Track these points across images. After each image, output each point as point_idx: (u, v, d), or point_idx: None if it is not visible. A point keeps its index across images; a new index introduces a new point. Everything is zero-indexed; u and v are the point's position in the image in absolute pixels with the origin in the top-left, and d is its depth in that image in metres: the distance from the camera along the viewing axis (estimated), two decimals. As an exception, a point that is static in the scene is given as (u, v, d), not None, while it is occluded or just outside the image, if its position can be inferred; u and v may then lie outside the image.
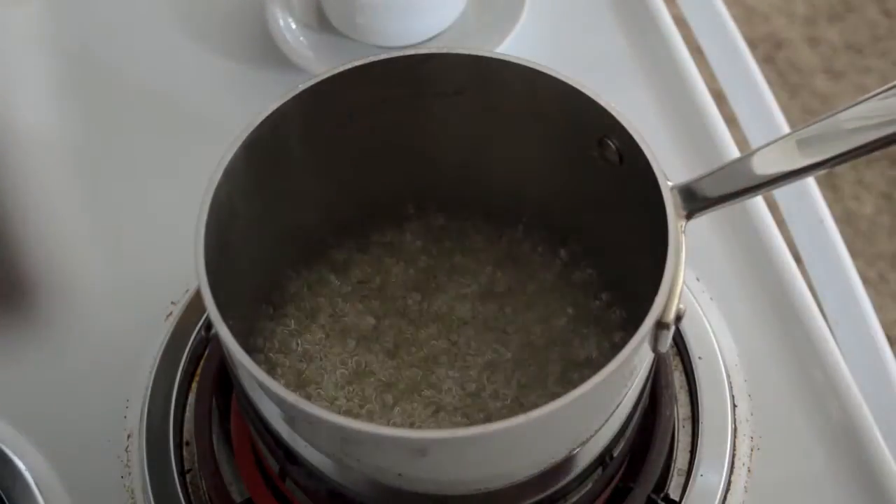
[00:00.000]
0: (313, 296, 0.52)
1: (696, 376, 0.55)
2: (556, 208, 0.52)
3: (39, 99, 0.70)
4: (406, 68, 0.46)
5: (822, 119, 0.42)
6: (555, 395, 0.38)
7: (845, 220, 1.42)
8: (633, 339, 0.38)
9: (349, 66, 0.46)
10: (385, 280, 0.53)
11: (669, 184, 0.42)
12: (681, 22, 0.72)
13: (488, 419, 0.48)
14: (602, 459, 0.45)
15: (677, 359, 0.56)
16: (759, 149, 0.43)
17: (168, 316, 0.57)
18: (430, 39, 0.68)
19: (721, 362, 0.55)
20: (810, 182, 0.67)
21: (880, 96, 0.42)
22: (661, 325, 0.39)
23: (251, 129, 0.44)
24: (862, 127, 0.41)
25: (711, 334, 0.56)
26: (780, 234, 0.60)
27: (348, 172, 0.51)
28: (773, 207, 0.62)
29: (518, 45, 0.67)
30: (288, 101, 0.45)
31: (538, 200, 0.52)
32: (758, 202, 0.61)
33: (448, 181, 0.53)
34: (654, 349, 0.41)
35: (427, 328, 0.51)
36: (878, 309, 0.63)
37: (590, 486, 0.46)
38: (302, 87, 0.45)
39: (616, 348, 0.39)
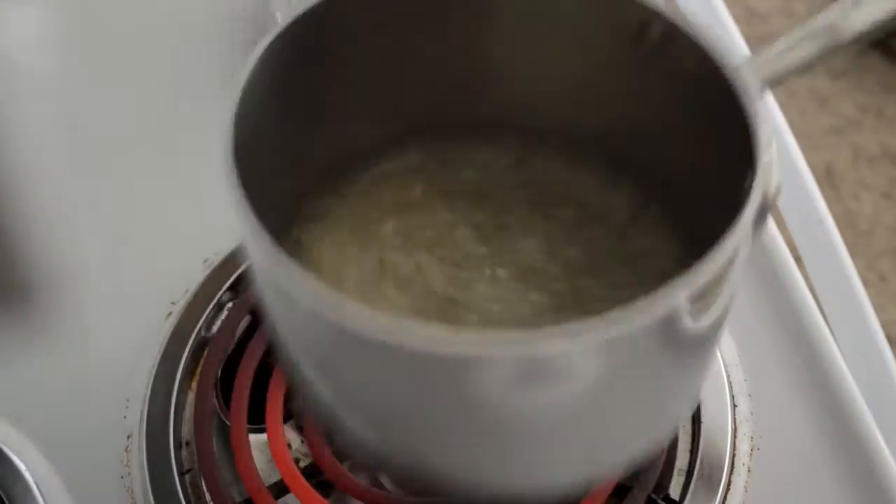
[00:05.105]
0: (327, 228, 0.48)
1: (696, 376, 0.55)
2: (590, 121, 0.48)
3: (39, 99, 0.70)
4: None
5: None
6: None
7: (845, 220, 1.42)
8: (742, 212, 0.34)
9: None
10: (404, 214, 0.48)
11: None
12: (681, 22, 0.72)
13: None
14: None
15: (677, 359, 0.56)
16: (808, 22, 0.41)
17: (168, 316, 0.57)
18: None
19: (721, 362, 0.55)
20: (810, 182, 0.67)
21: None
22: (765, 203, 0.36)
23: (258, 55, 0.39)
24: None
25: (711, 334, 0.56)
26: (781, 235, 0.60)
27: (361, 95, 0.47)
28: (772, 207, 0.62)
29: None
30: (290, 24, 0.41)
31: (575, 114, 0.48)
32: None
33: (467, 99, 0.49)
34: (755, 234, 0.37)
35: (455, 265, 0.47)
36: (878, 309, 0.64)
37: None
38: (301, 10, 0.41)
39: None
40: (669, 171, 0.46)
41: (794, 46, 0.41)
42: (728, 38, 0.74)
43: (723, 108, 0.39)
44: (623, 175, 0.49)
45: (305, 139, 0.46)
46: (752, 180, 0.35)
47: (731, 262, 0.35)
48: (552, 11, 0.44)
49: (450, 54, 0.47)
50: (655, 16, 0.41)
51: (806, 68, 0.41)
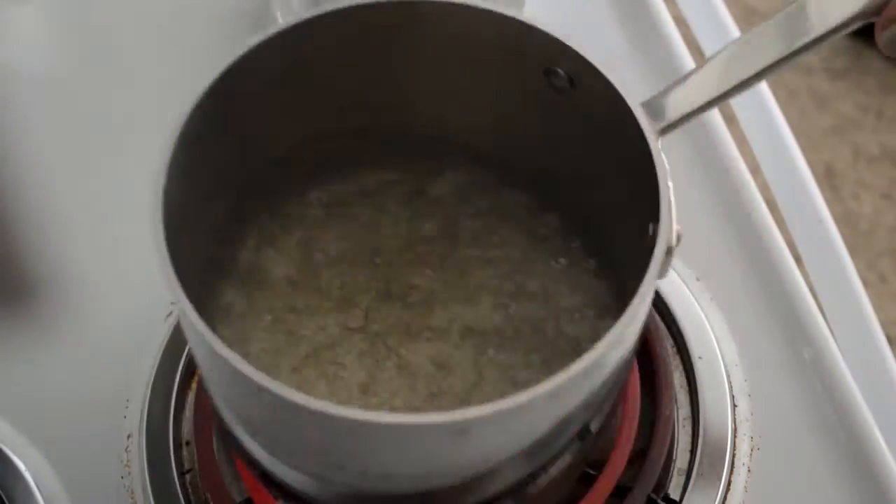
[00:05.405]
0: (269, 256, 0.50)
1: (696, 376, 0.55)
2: (516, 155, 0.50)
3: (39, 99, 0.70)
4: (347, 19, 0.45)
5: (785, 9, 0.42)
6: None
7: (845, 220, 1.42)
8: (650, 268, 0.37)
9: (307, 17, 0.44)
10: (343, 245, 0.51)
11: (637, 101, 0.41)
12: (681, 22, 0.72)
13: (471, 394, 0.46)
14: (581, 434, 0.44)
15: (677, 359, 0.56)
16: (715, 54, 0.42)
17: (168, 316, 0.57)
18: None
19: (721, 362, 0.55)
20: (810, 182, 0.67)
21: None
22: (668, 251, 0.38)
23: (207, 85, 0.43)
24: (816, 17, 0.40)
25: (711, 334, 0.56)
26: (780, 234, 0.60)
27: (301, 126, 0.49)
28: (773, 207, 0.62)
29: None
30: (247, 52, 0.44)
31: (497, 147, 0.50)
32: (758, 202, 0.61)
33: (416, 129, 0.51)
34: (659, 277, 0.39)
35: (388, 300, 0.49)
36: (878, 309, 0.64)
37: (567, 459, 0.45)
38: (257, 39, 0.43)
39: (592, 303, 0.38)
40: (585, 202, 0.48)
41: (702, 82, 0.42)
42: (727, 38, 0.74)
43: (628, 146, 0.40)
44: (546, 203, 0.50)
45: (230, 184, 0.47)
46: (654, 231, 0.38)
47: (636, 317, 0.38)
48: (465, 44, 0.45)
49: (368, 91, 0.48)
50: (564, 50, 0.42)
51: (704, 109, 0.42)
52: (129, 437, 0.54)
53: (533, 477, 0.44)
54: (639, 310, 0.37)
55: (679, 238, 0.39)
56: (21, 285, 0.61)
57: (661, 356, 0.53)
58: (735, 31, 0.74)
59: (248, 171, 0.48)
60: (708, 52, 0.75)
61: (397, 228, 0.51)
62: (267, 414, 0.39)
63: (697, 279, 0.58)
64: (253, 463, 0.43)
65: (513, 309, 0.49)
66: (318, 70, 0.46)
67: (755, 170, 0.65)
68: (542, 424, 0.39)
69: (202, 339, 0.37)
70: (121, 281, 0.60)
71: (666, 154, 0.43)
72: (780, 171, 0.69)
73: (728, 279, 0.59)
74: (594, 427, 0.44)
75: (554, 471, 0.44)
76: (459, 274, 0.50)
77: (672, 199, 0.38)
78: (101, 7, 0.73)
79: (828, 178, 1.47)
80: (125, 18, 0.73)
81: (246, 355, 0.47)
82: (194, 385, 0.55)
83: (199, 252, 0.46)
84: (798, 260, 0.61)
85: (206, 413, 0.53)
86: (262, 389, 0.36)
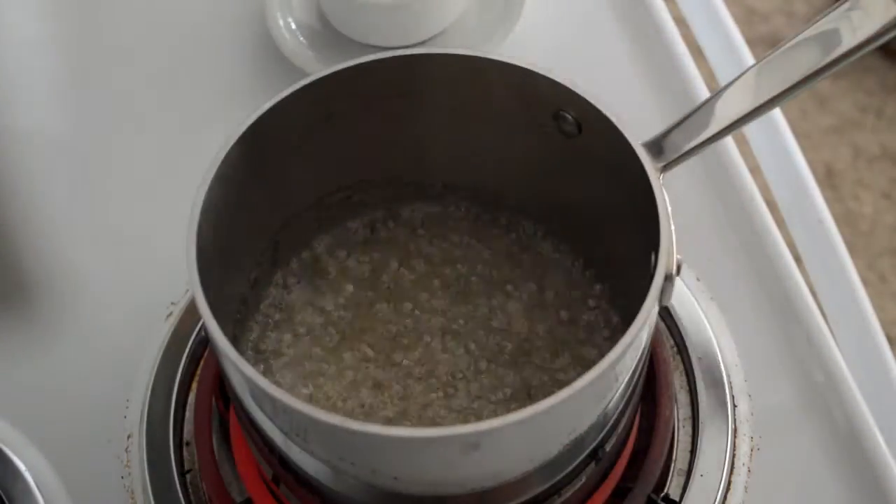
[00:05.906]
0: (298, 295, 0.52)
1: (696, 376, 0.55)
2: (530, 193, 0.52)
3: (39, 99, 0.70)
4: (346, 80, 0.47)
5: (776, 51, 0.43)
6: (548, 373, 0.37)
7: (845, 220, 1.42)
8: (649, 294, 0.39)
9: (329, 70, 0.46)
10: (367, 273, 0.53)
11: (639, 141, 0.43)
12: (681, 22, 0.72)
13: (485, 409, 0.48)
14: (595, 453, 0.45)
15: (677, 359, 0.56)
16: (721, 90, 0.44)
17: (168, 316, 0.57)
18: (430, 39, 0.68)
19: (721, 362, 0.55)
20: (810, 182, 0.67)
21: (824, 20, 0.42)
22: (668, 278, 0.40)
23: (241, 130, 0.44)
24: (814, 50, 0.42)
25: (711, 334, 0.56)
26: (780, 234, 0.60)
27: (333, 169, 0.51)
28: (773, 207, 0.62)
29: (517, 45, 0.67)
30: (275, 104, 0.45)
31: (515, 188, 0.53)
32: (758, 202, 0.61)
33: (432, 174, 0.53)
34: (662, 303, 0.41)
35: (410, 321, 0.51)
36: (878, 309, 0.64)
37: (583, 480, 0.46)
38: (288, 90, 0.45)
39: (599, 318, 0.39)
40: (597, 232, 0.51)
41: (699, 122, 0.44)
42: (727, 39, 0.74)
43: (632, 181, 0.43)
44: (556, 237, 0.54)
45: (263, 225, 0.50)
46: (655, 260, 0.40)
47: (636, 339, 0.39)
48: (477, 94, 0.48)
49: (387, 140, 0.51)
50: (571, 96, 0.45)
51: (703, 147, 0.44)
52: (129, 437, 0.54)
53: (548, 495, 0.45)
54: (640, 333, 0.39)
55: (679, 267, 0.41)
56: (21, 285, 0.61)
57: (661, 356, 0.53)
58: (735, 32, 0.74)
59: (280, 215, 0.51)
60: (707, 51, 0.75)
61: (418, 266, 0.53)
62: (285, 419, 0.40)
63: (697, 279, 0.58)
64: (269, 445, 0.43)
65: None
66: (340, 121, 0.48)
67: (755, 170, 0.65)
68: (549, 440, 0.40)
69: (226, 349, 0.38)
70: (121, 281, 0.60)
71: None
72: (780, 171, 0.69)
73: (728, 279, 0.59)
74: (608, 448, 0.45)
75: (569, 491, 0.45)
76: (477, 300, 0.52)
77: (672, 230, 0.40)
78: (101, 7, 0.73)
79: (828, 178, 1.47)
80: (123, 17, 0.73)
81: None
82: (194, 385, 0.55)
83: (233, 289, 0.48)
84: (798, 260, 0.61)
85: (207, 413, 0.53)
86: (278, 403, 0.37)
